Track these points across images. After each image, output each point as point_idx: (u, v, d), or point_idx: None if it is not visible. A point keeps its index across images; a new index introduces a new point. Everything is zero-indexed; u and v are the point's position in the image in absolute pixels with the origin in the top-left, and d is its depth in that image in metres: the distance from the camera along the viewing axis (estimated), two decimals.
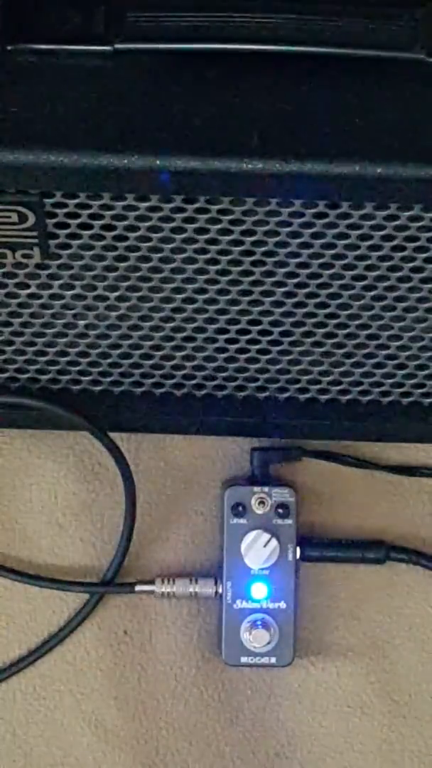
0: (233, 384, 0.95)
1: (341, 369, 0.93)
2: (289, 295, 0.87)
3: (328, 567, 1.01)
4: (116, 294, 0.87)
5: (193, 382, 0.95)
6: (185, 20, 0.79)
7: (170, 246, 0.83)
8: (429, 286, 0.86)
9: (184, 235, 0.82)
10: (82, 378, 0.95)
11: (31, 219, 0.80)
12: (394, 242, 0.82)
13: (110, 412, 0.97)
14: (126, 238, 0.82)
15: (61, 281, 0.86)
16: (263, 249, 0.83)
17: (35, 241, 0.82)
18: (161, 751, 1.00)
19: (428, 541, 1.02)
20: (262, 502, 0.97)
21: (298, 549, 0.97)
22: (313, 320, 0.89)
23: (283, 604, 0.96)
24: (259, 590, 0.96)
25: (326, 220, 0.81)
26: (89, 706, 1.00)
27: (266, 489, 0.97)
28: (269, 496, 0.97)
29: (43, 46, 0.79)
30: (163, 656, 1.00)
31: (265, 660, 0.97)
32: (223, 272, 0.85)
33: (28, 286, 0.87)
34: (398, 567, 1.01)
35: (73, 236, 0.82)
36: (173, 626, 1.01)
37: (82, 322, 0.90)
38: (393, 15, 0.80)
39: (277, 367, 0.93)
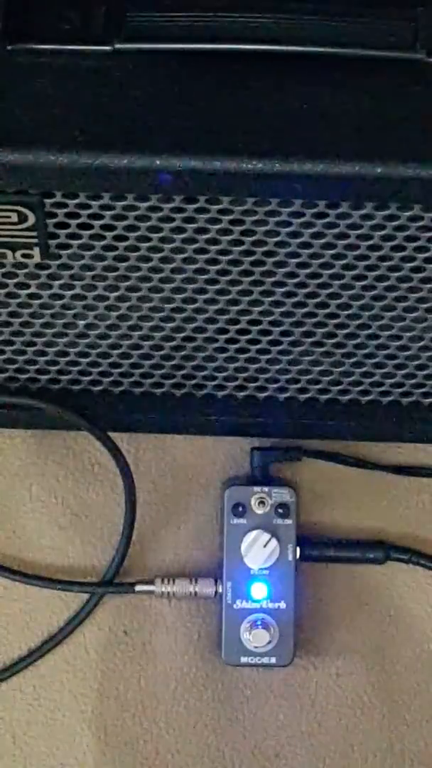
0: (233, 384, 0.95)
1: (341, 369, 0.93)
2: (289, 295, 0.87)
3: (328, 567, 1.01)
4: (116, 294, 0.87)
5: (193, 382, 0.95)
6: (185, 20, 0.79)
7: (170, 246, 0.83)
8: (429, 286, 0.86)
9: (184, 235, 0.82)
10: (82, 378, 0.95)
11: (31, 219, 0.80)
12: (394, 242, 0.82)
13: (110, 412, 0.97)
14: (126, 238, 0.82)
15: (61, 281, 0.86)
16: (263, 249, 0.83)
17: (35, 241, 0.82)
18: (161, 751, 1.00)
19: (428, 541, 1.02)
20: (262, 502, 0.97)
21: (298, 549, 0.97)
22: (313, 320, 0.89)
23: (283, 604, 0.96)
24: (259, 590, 0.96)
25: (326, 220, 0.81)
26: (89, 706, 1.00)
27: (266, 489, 0.97)
28: (269, 496, 0.97)
29: (43, 46, 0.79)
30: (163, 656, 1.00)
31: (265, 660, 0.97)
32: (223, 272, 0.85)
33: (28, 286, 0.87)
34: (398, 567, 1.01)
35: (73, 236, 0.82)
36: (173, 626, 1.01)
37: (82, 322, 0.90)
38: (393, 15, 0.80)
39: (277, 367, 0.93)
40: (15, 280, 0.86)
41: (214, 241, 0.82)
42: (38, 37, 0.79)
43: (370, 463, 1.02)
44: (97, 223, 0.81)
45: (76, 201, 0.79)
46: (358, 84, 0.79)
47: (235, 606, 0.96)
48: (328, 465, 1.02)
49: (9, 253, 0.83)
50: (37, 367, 0.94)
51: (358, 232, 0.81)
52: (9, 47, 0.79)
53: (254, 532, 0.96)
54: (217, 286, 0.86)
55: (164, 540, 1.02)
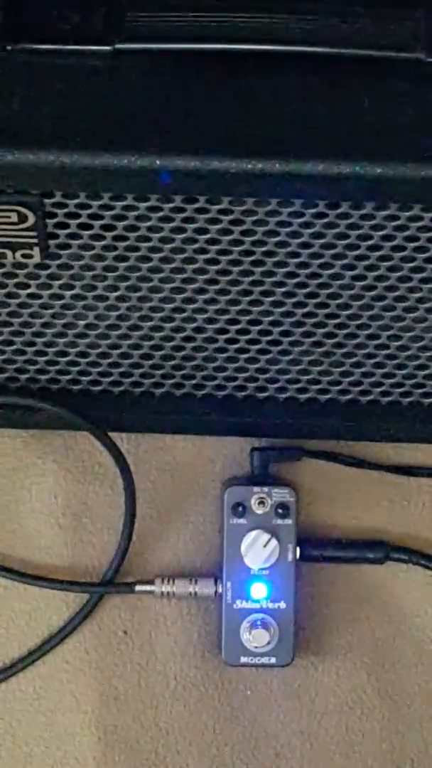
0: (233, 384, 0.95)
1: (341, 369, 0.93)
2: (289, 295, 0.87)
3: (328, 567, 1.01)
4: (116, 294, 0.87)
5: (193, 382, 0.95)
6: (185, 20, 0.79)
7: (170, 246, 0.83)
8: (429, 286, 0.86)
9: (184, 235, 0.82)
10: (82, 378, 0.95)
11: (31, 219, 0.80)
12: (394, 242, 0.82)
13: (110, 412, 0.97)
14: (126, 238, 0.82)
15: (61, 281, 0.86)
16: (263, 249, 0.83)
17: (35, 241, 0.82)
18: (161, 751, 1.00)
19: (428, 541, 1.02)
20: (262, 502, 0.97)
21: (298, 549, 0.97)
22: (313, 320, 0.89)
23: (282, 604, 0.96)
24: (259, 590, 0.96)
25: (326, 220, 0.81)
26: (89, 706, 1.00)
27: (266, 489, 0.97)
28: (269, 496, 0.97)
29: (43, 46, 0.79)
30: (163, 656, 1.00)
31: (264, 660, 0.97)
32: (223, 272, 0.85)
33: (28, 286, 0.87)
34: (398, 567, 1.01)
35: (73, 236, 0.82)
36: (173, 626, 1.01)
37: (82, 322, 0.90)
38: (393, 15, 0.80)
39: (277, 367, 0.93)
40: (15, 280, 0.86)
41: (214, 241, 0.82)
42: (38, 37, 0.79)
43: (370, 463, 1.02)
44: (97, 223, 0.81)
45: (76, 201, 0.79)
46: (358, 84, 0.79)
47: (235, 606, 0.97)
48: (328, 465, 1.02)
49: (9, 253, 0.83)
50: (37, 367, 0.94)
51: (358, 232, 0.81)
52: (9, 47, 0.79)
53: (254, 532, 0.96)
54: (217, 286, 0.86)
55: (164, 540, 1.02)
